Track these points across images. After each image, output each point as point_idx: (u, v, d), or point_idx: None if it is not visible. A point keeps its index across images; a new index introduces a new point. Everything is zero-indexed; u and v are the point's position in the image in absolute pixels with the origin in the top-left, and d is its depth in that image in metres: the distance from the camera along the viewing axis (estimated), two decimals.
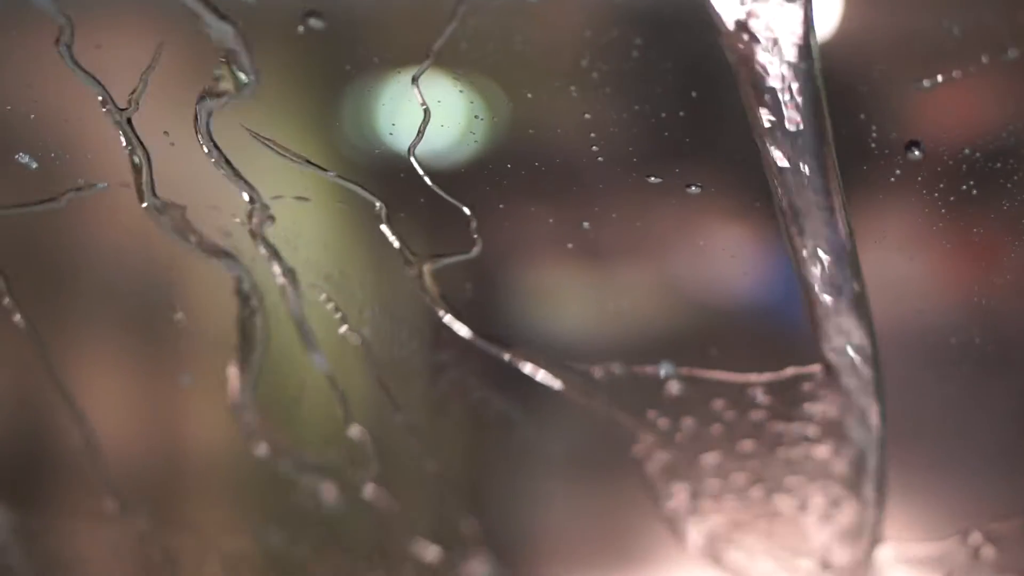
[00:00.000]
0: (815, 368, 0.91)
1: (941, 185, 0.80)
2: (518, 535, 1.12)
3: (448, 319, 0.90)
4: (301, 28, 0.76)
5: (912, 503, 1.01)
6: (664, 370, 0.95)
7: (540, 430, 1.02)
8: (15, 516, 1.14)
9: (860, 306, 0.84)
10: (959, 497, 1.02)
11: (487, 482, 1.10)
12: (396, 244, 0.85)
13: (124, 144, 0.80)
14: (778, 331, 1.00)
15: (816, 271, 0.83)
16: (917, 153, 0.80)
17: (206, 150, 0.80)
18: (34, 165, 0.83)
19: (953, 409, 0.96)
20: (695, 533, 1.06)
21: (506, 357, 0.92)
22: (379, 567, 1.11)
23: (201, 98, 0.77)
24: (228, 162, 0.81)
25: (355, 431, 0.99)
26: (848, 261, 0.82)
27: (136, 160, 0.81)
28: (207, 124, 0.79)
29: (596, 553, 1.13)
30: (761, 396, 0.95)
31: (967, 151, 0.79)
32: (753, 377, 0.95)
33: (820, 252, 0.81)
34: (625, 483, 1.08)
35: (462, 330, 0.90)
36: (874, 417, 0.92)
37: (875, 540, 1.01)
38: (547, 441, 1.04)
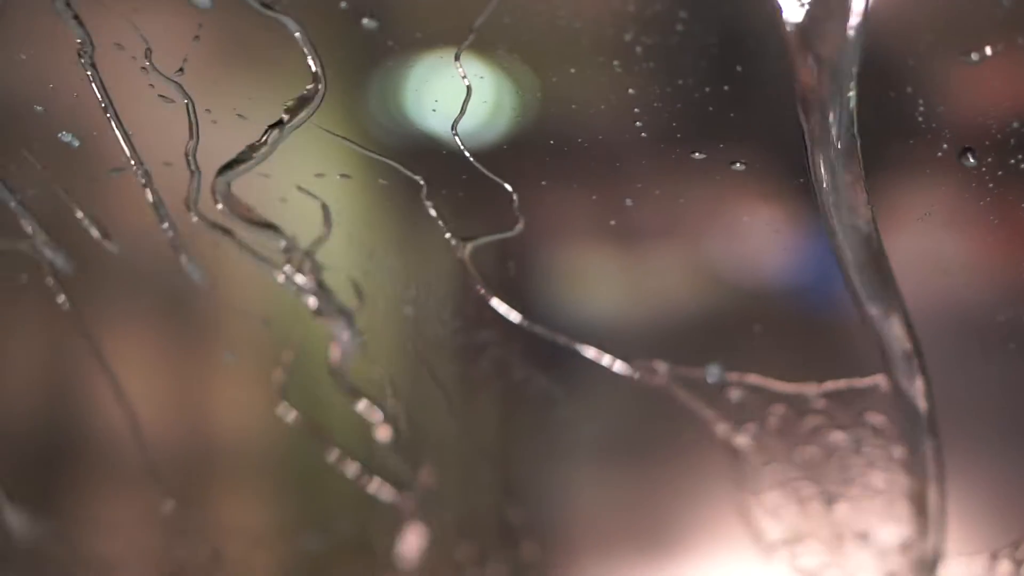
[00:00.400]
0: (872, 380, 0.91)
1: (989, 160, 0.79)
2: (555, 517, 1.12)
3: (494, 301, 0.89)
4: (343, 3, 0.76)
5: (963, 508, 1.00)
6: (712, 375, 0.95)
7: (580, 410, 1.02)
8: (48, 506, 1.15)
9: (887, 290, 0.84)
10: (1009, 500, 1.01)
11: (525, 462, 1.09)
12: (439, 222, 0.85)
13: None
14: (821, 310, 0.99)
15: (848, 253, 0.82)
16: (972, 160, 0.80)
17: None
18: (76, 143, 0.83)
19: (998, 391, 0.95)
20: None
21: (552, 338, 0.92)
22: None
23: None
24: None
25: (394, 409, 0.99)
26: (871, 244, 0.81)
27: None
28: None
29: (632, 537, 1.13)
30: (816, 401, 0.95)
31: (1015, 124, 0.78)
32: (809, 388, 0.94)
33: (850, 233, 0.81)
34: (665, 466, 1.07)
35: (506, 310, 0.90)
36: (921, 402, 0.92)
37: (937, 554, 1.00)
38: (587, 422, 1.04)
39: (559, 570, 1.13)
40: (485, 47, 0.80)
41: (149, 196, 0.84)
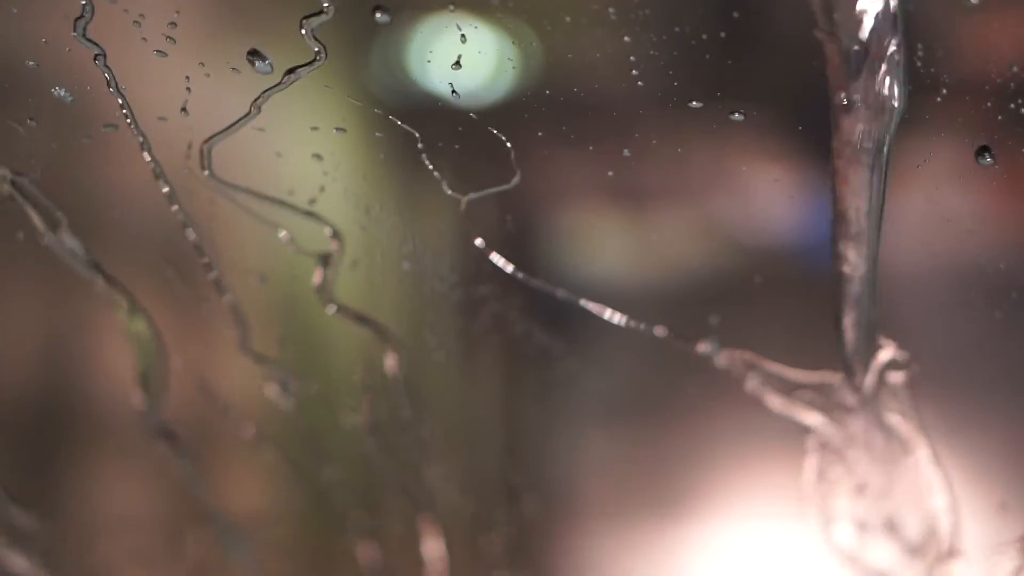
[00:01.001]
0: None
1: (988, 104, 0.78)
2: (558, 476, 1.11)
3: (493, 255, 0.89)
4: None
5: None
6: (709, 347, 0.94)
7: (581, 367, 1.02)
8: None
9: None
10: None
11: (527, 420, 1.09)
12: (436, 174, 0.85)
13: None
14: (821, 270, 0.99)
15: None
16: (988, 159, 0.79)
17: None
18: (70, 99, 0.82)
19: (1003, 339, 0.94)
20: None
21: (552, 292, 0.92)
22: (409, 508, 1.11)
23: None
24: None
25: (390, 365, 0.98)
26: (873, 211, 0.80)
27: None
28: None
29: (638, 496, 1.13)
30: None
31: (1015, 69, 0.77)
32: (803, 376, 0.94)
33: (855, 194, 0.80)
34: (665, 425, 1.07)
35: (504, 264, 0.90)
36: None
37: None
38: (588, 378, 1.04)
39: (563, 529, 1.13)
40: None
41: (146, 155, 0.84)
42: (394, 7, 0.81)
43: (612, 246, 0.98)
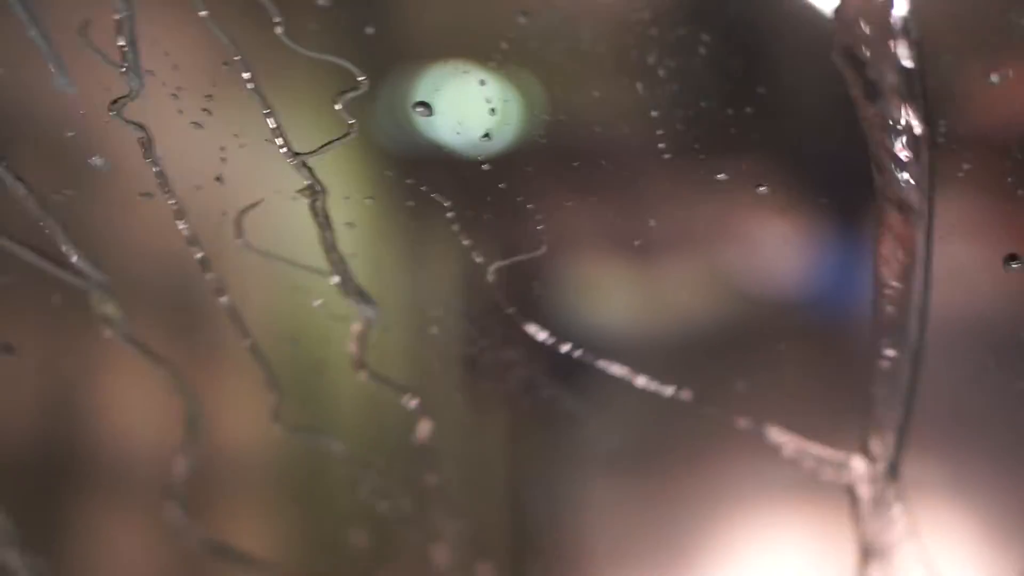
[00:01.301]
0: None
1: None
2: (574, 532, 1.12)
3: (526, 324, 0.90)
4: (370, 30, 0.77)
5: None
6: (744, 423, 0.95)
7: (599, 424, 1.02)
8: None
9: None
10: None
11: (540, 476, 1.10)
12: (464, 241, 0.86)
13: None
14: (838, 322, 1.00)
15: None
16: (1015, 265, 0.80)
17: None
18: (107, 167, 0.84)
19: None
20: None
21: (583, 357, 0.92)
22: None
23: None
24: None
25: (423, 429, 0.99)
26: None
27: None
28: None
29: (650, 552, 1.13)
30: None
31: None
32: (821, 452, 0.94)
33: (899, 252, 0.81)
34: (683, 481, 1.08)
35: (535, 331, 0.91)
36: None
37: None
38: (605, 435, 1.05)
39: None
40: (510, 68, 0.81)
41: (181, 224, 0.85)
42: (425, 71, 0.83)
43: (620, 297, 0.99)
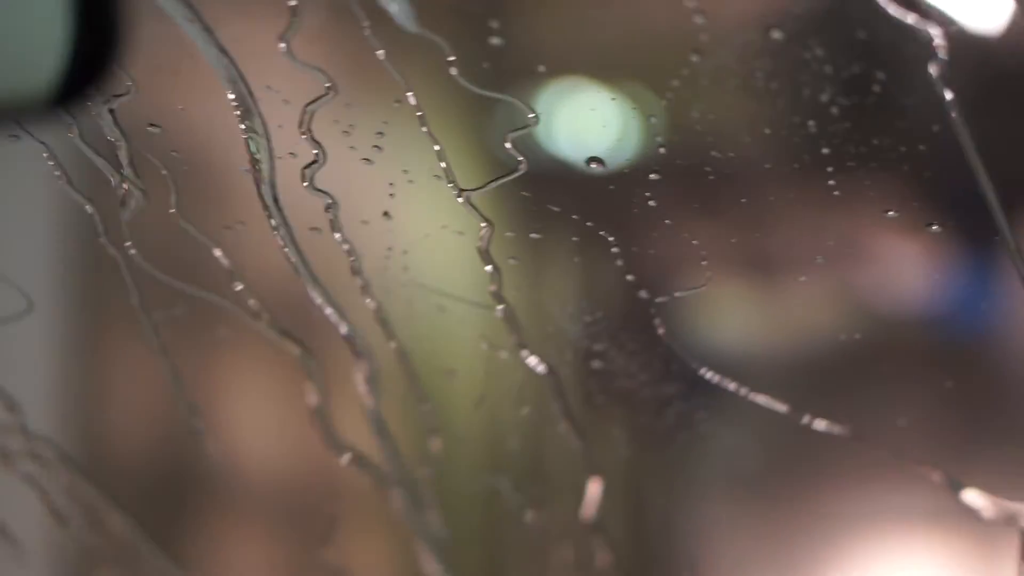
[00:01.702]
0: None
1: None
2: (709, 554, 1.12)
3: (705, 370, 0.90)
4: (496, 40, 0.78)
5: None
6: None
7: (742, 452, 1.02)
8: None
9: None
10: None
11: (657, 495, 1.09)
12: (629, 276, 0.86)
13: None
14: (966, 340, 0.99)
15: None
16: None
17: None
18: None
19: None
20: None
21: (732, 387, 0.92)
22: None
23: None
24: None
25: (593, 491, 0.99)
26: None
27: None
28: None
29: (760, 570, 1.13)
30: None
31: None
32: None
33: None
34: (796, 499, 1.07)
35: (706, 372, 0.90)
36: None
37: None
38: (718, 450, 1.04)
39: None
40: (642, 86, 0.81)
41: (348, 255, 0.86)
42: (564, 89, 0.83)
43: (743, 315, 0.99)
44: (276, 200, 0.83)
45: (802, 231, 0.88)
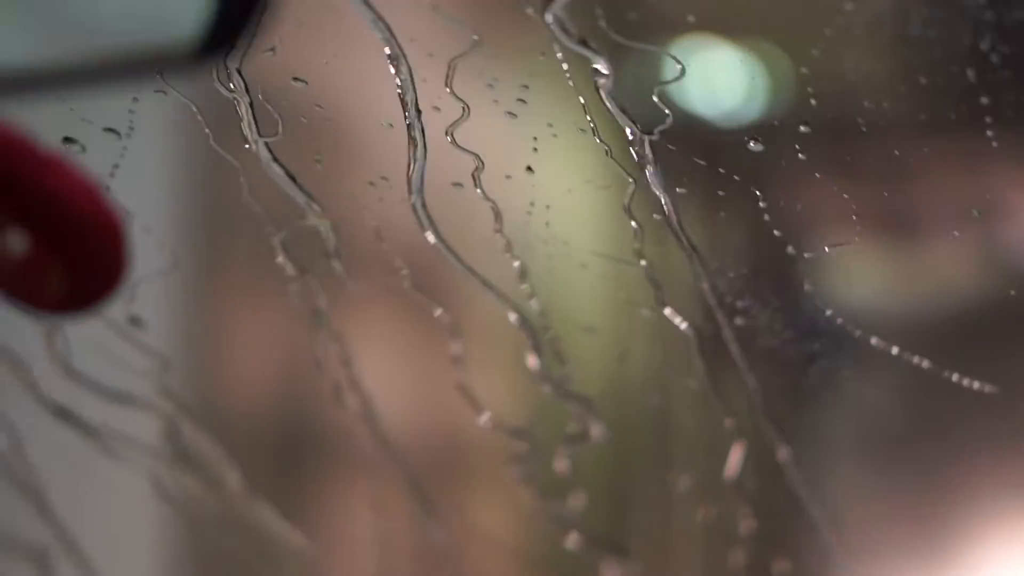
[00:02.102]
0: None
1: None
2: (842, 514, 1.10)
3: (832, 313, 0.88)
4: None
5: None
6: None
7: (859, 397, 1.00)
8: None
9: None
10: None
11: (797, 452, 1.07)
12: (776, 232, 0.85)
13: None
14: None
15: None
16: None
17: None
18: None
19: None
20: None
21: (881, 347, 0.90)
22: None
23: None
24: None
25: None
26: None
27: None
28: None
29: (902, 532, 1.11)
30: None
31: None
32: None
33: None
34: (941, 460, 1.05)
35: (854, 329, 0.89)
36: None
37: None
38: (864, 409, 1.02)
39: (826, 561, 1.12)
40: (794, 36, 0.80)
41: (488, 205, 0.86)
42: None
43: (891, 271, 0.96)
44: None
45: (957, 185, 0.86)
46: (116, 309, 0.95)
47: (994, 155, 0.81)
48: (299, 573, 1.28)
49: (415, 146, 0.82)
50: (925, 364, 0.89)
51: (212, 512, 1.19)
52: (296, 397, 1.30)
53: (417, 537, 1.25)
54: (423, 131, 0.81)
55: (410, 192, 0.86)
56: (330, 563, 1.33)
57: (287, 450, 1.35)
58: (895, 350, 0.90)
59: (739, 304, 0.89)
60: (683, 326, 0.90)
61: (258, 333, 1.22)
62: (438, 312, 0.95)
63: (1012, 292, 0.92)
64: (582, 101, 0.80)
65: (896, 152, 0.82)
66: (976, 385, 0.89)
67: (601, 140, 0.81)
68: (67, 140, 0.81)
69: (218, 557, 1.27)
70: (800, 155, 0.82)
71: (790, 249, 0.85)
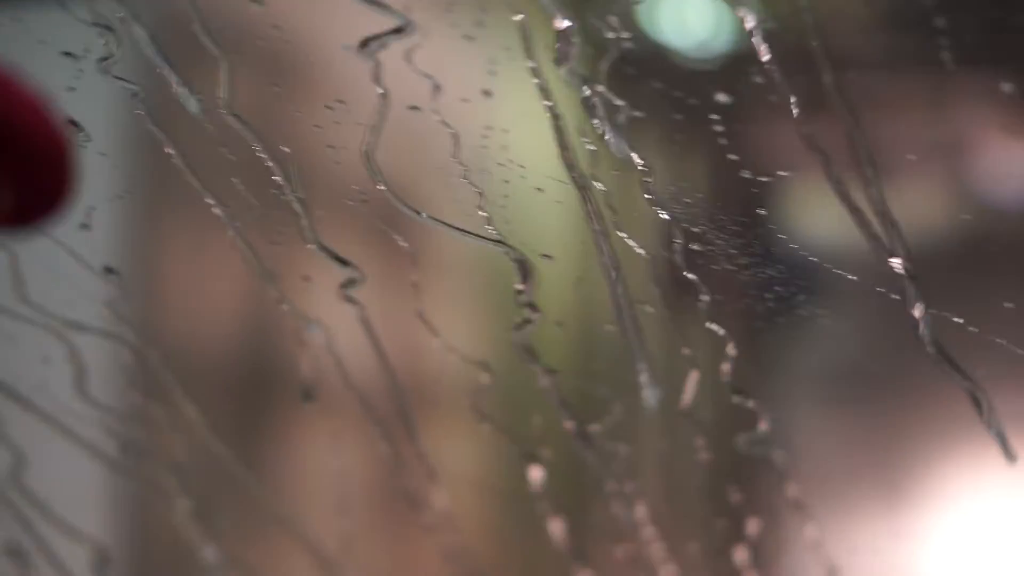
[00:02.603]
0: None
1: None
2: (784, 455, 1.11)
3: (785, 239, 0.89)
4: None
5: None
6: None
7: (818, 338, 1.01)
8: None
9: None
10: None
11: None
12: (733, 158, 0.85)
13: None
14: None
15: None
16: None
17: None
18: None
19: None
20: None
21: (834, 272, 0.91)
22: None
23: None
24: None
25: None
26: None
27: None
28: None
29: (858, 478, 1.12)
30: None
31: None
32: None
33: None
34: (891, 405, 1.06)
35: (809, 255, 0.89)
36: None
37: None
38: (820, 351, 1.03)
39: (782, 504, 1.13)
40: None
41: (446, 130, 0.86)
42: None
43: (848, 199, 0.97)
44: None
45: (918, 118, 0.86)
46: (72, 236, 0.95)
47: (956, 88, 0.82)
48: (259, 510, 1.29)
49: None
50: (884, 292, 0.90)
51: (170, 450, 1.19)
52: (256, 331, 1.30)
53: (377, 471, 1.25)
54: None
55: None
56: (290, 499, 1.34)
57: (247, 386, 1.35)
58: (852, 277, 0.91)
59: (695, 229, 0.90)
60: (639, 251, 0.90)
61: (215, 264, 1.22)
62: (399, 241, 0.95)
63: (968, 216, 0.93)
64: (540, 24, 0.80)
65: (857, 83, 0.82)
66: (927, 309, 0.89)
67: (558, 63, 0.81)
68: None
69: (177, 496, 1.27)
70: (759, 81, 0.82)
71: (745, 173, 0.86)
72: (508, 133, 0.86)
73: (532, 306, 0.93)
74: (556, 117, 0.83)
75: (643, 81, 0.85)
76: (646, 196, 0.89)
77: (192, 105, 0.89)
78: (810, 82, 0.84)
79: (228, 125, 0.89)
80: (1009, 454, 0.92)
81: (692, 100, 0.84)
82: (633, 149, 0.87)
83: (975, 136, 0.92)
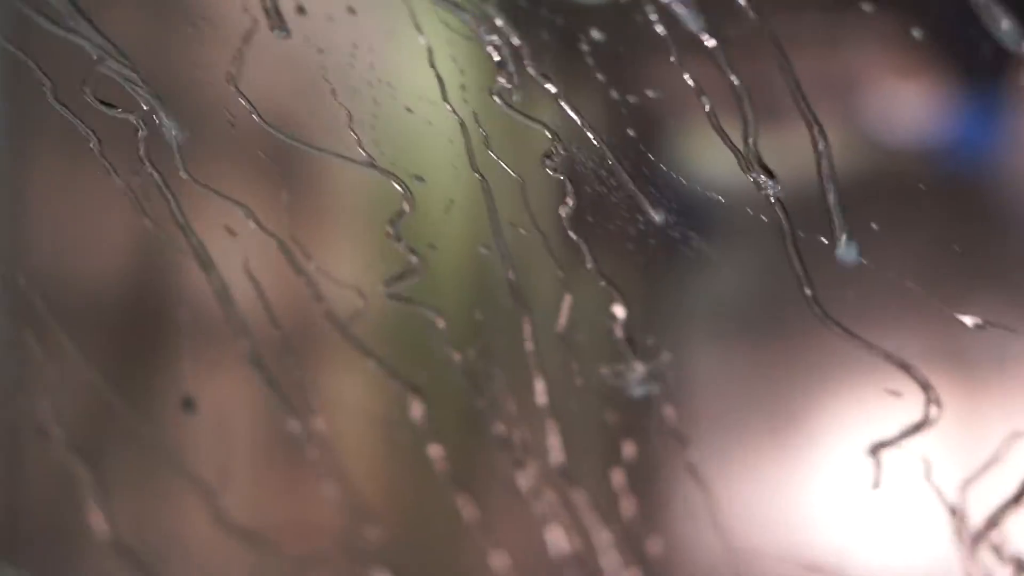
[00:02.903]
0: None
1: None
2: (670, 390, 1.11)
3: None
4: None
5: None
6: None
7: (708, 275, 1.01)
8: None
9: None
10: None
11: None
12: (600, 77, 0.84)
13: None
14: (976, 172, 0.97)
15: None
16: None
17: None
18: None
19: None
20: None
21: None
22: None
23: None
24: None
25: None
26: None
27: None
28: None
29: (746, 416, 1.13)
30: None
31: None
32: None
33: None
34: (783, 345, 1.07)
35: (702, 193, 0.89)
36: None
37: None
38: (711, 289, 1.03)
39: (670, 443, 1.14)
40: None
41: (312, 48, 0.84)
42: None
43: (740, 143, 0.97)
44: None
45: (817, 57, 0.86)
46: None
47: (856, 28, 0.82)
48: (139, 441, 1.27)
49: None
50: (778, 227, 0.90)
51: (51, 386, 1.17)
52: (140, 270, 1.27)
53: (264, 409, 1.24)
54: None
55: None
56: (171, 431, 1.32)
57: (132, 327, 1.33)
58: (749, 211, 0.91)
59: (572, 150, 0.89)
60: (512, 174, 0.90)
61: (98, 202, 1.19)
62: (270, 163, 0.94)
63: (862, 162, 0.94)
64: None
65: (746, 25, 0.82)
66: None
67: None
68: None
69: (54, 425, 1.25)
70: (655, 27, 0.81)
71: (613, 93, 0.85)
72: (374, 52, 0.85)
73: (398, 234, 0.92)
74: (422, 33, 0.82)
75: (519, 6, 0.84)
76: (519, 115, 0.88)
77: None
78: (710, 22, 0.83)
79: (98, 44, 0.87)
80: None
81: (570, 27, 0.83)
82: (506, 67, 0.87)
83: (869, 76, 0.93)
